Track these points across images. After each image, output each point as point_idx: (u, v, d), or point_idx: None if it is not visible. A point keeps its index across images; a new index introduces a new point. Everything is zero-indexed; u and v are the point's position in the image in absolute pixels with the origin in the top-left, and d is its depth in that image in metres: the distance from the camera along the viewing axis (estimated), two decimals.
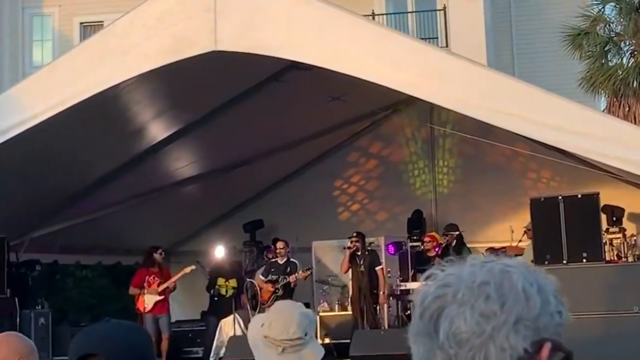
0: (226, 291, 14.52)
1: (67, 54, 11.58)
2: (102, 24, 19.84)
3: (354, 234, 13.45)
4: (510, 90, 9.99)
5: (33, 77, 11.58)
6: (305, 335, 3.14)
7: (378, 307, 13.17)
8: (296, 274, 13.15)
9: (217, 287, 14.63)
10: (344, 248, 13.62)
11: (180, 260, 17.09)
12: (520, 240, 12.79)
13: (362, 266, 13.14)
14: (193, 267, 14.79)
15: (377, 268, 13.18)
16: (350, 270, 13.39)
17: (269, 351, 3.12)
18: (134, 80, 10.80)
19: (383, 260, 14.13)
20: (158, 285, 13.95)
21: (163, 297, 14.00)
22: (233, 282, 14.63)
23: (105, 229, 14.98)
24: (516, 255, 12.68)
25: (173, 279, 14.21)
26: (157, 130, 13.25)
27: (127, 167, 13.53)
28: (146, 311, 13.87)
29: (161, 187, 14.96)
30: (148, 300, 13.93)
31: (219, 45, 10.23)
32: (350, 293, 13.89)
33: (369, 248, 13.49)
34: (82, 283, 20.39)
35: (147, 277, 14.05)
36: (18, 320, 12.62)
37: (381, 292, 13.11)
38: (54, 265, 16.62)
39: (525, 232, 12.74)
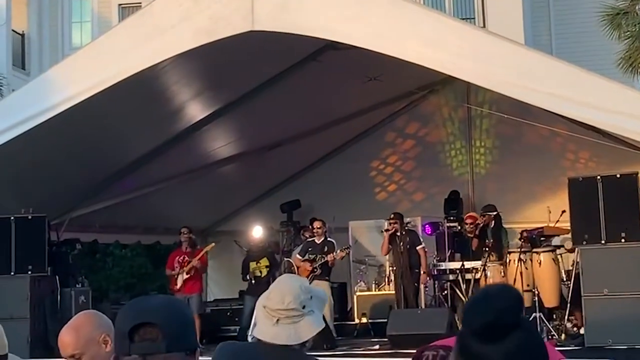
0: (260, 272, 14.60)
1: (105, 35, 11.68)
2: (140, 5, 19.95)
3: (392, 216, 13.41)
4: (549, 69, 9.93)
5: (72, 58, 11.70)
6: (303, 307, 3.13)
7: (419, 286, 13.16)
8: (334, 253, 13.19)
9: (250, 271, 14.70)
10: (382, 231, 13.63)
11: (218, 240, 17.23)
12: (557, 221, 12.72)
13: (401, 246, 13.09)
14: (213, 244, 15.15)
15: (418, 247, 13.10)
16: (391, 250, 13.38)
17: (266, 322, 3.14)
18: (171, 60, 10.86)
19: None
20: (185, 265, 14.20)
21: (189, 276, 14.18)
22: (265, 262, 14.70)
23: (144, 209, 15.12)
24: (553, 236, 12.67)
25: (196, 258, 14.48)
26: (195, 111, 13.33)
27: (165, 147, 13.63)
28: (177, 291, 14.09)
29: (199, 167, 15.06)
30: (179, 281, 14.21)
31: (255, 25, 10.25)
32: (389, 273, 13.94)
33: (407, 228, 13.45)
34: (122, 262, 20.66)
35: (177, 258, 14.34)
36: (59, 298, 12.79)
37: (422, 271, 13.04)
38: (93, 244, 16.84)
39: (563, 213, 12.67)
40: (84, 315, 3.54)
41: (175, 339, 2.21)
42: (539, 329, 11.36)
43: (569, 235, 12.03)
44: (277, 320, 3.12)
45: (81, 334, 3.39)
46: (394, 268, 13.45)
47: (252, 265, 14.60)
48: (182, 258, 14.34)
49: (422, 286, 13.25)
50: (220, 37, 10.36)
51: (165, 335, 2.20)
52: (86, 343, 3.36)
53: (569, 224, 11.62)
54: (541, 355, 2.11)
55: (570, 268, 11.97)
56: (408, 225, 13.79)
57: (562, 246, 12.35)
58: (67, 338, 3.41)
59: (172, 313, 2.26)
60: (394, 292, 13.48)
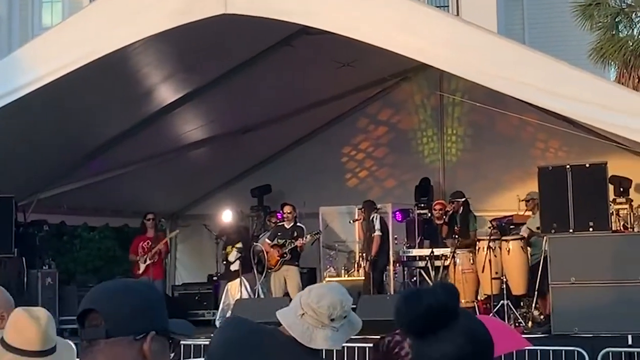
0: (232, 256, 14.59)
1: (76, 15, 11.55)
2: None
3: (361, 205, 13.68)
4: (522, 58, 9.96)
5: (41, 38, 11.57)
6: (332, 321, 3.17)
7: (385, 273, 13.29)
8: (304, 238, 13.19)
9: (223, 252, 14.72)
10: (350, 221, 13.90)
11: (188, 224, 17.20)
12: (526, 209, 12.81)
13: (367, 233, 13.33)
14: (177, 231, 15.69)
15: (373, 234, 13.32)
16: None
17: (293, 311, 3.17)
18: (143, 42, 10.77)
19: (390, 226, 14.18)
20: (149, 250, 14.25)
21: (153, 261, 14.23)
22: (238, 245, 14.71)
23: (113, 191, 15.02)
24: (522, 224, 12.75)
25: (161, 243, 14.57)
26: (167, 93, 13.24)
27: (136, 130, 13.53)
28: (139, 276, 14.13)
29: (170, 151, 14.97)
30: (142, 266, 14.28)
31: (229, 8, 10.19)
32: (358, 259, 14.00)
33: (372, 216, 13.58)
34: (89, 244, 20.54)
35: (141, 244, 14.40)
36: (25, 279, 12.71)
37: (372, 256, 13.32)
38: (61, 226, 16.70)
39: (523, 201, 12.78)
40: None
41: (118, 325, 2.20)
42: (506, 317, 11.44)
43: (529, 222, 12.13)
44: (303, 315, 3.11)
45: None
46: (364, 254, 13.53)
47: (228, 248, 14.62)
48: (146, 243, 14.46)
49: (391, 272, 13.32)
50: (194, 20, 10.29)
51: (106, 321, 2.20)
52: None
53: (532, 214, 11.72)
54: (485, 342, 2.10)
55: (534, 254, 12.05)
56: (378, 210, 13.86)
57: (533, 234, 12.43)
58: None
59: (117, 298, 2.24)
60: (363, 278, 13.54)
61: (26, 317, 3.32)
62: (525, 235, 12.13)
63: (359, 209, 13.83)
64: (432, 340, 2.03)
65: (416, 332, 2.05)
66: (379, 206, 14.00)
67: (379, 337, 3.12)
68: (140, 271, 14.28)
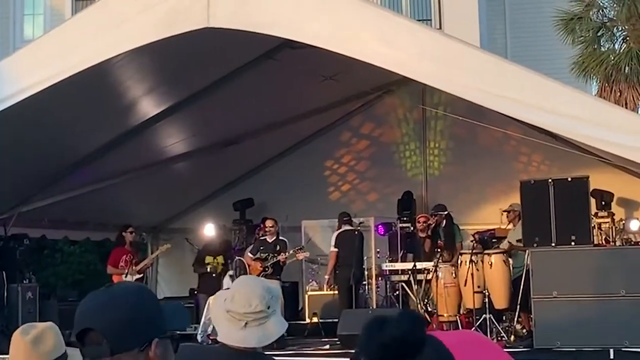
0: (215, 268, 14.54)
1: (58, 28, 11.50)
2: None
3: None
4: (504, 72, 9.98)
5: (23, 51, 11.50)
6: (268, 308, 3.10)
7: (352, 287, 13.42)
8: (286, 253, 13.16)
9: (206, 264, 14.64)
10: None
11: (169, 238, 17.12)
12: (508, 222, 12.82)
13: None
14: (169, 245, 15.16)
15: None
16: None
17: (231, 326, 3.09)
18: (125, 55, 10.73)
19: (372, 241, 14.25)
20: (135, 265, 14.10)
21: (141, 275, 14.14)
22: (221, 259, 14.66)
23: (95, 205, 14.94)
24: (505, 238, 12.75)
25: (151, 257, 14.45)
26: (149, 107, 13.19)
27: (117, 143, 13.47)
28: None
29: (152, 164, 14.91)
30: (129, 280, 14.09)
31: (211, 21, 10.17)
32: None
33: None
34: (70, 258, 20.42)
35: (123, 257, 14.24)
36: (5, 293, 12.61)
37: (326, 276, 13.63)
38: (42, 240, 16.59)
39: (504, 213, 12.80)
40: None
41: (119, 340, 2.16)
42: (488, 331, 11.42)
43: (510, 236, 12.14)
44: (245, 324, 3.07)
45: None
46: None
47: (208, 258, 14.53)
48: (128, 257, 14.26)
49: (373, 286, 13.33)
50: (176, 33, 10.26)
51: (108, 339, 2.15)
52: None
53: (514, 227, 11.73)
54: None
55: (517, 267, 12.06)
56: (360, 224, 13.92)
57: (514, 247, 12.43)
58: None
59: (112, 313, 2.19)
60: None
61: (16, 335, 3.32)
62: (505, 248, 12.13)
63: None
64: None
65: None
66: (360, 220, 14.03)
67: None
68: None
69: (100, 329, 2.16)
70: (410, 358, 1.98)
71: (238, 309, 3.08)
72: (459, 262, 12.41)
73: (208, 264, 14.59)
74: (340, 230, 13.82)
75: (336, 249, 13.61)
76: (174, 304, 14.37)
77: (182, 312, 13.43)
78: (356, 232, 13.62)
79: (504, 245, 12.22)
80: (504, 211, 12.75)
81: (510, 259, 12.10)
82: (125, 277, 14.09)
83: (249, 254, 13.56)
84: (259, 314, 3.08)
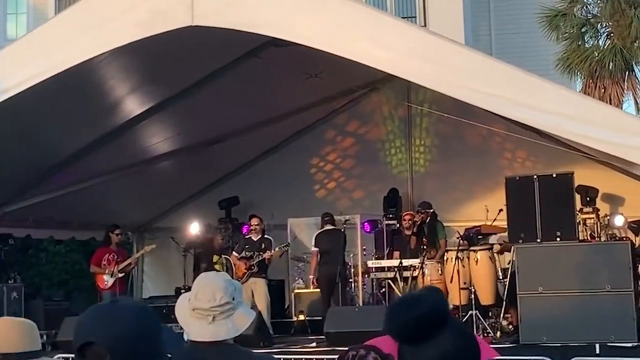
0: (224, 266, 14.45)
1: (41, 27, 11.45)
2: None
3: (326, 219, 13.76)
4: (488, 69, 9.99)
5: (6, 50, 11.44)
6: (233, 299, 3.12)
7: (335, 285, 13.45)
8: (271, 251, 13.15)
9: (214, 264, 14.61)
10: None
11: (155, 237, 17.08)
12: (495, 219, 12.84)
13: None
14: (153, 246, 15.26)
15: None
16: None
17: (200, 324, 3.10)
18: (109, 54, 10.69)
19: (358, 238, 14.24)
20: (117, 264, 14.09)
21: (123, 274, 14.16)
22: (223, 257, 14.67)
23: (80, 204, 14.88)
24: (491, 234, 12.79)
25: (134, 257, 14.47)
26: (133, 106, 13.15)
27: (101, 143, 13.43)
28: (106, 289, 13.99)
29: (136, 163, 14.87)
30: (107, 279, 14.10)
31: (196, 20, 10.14)
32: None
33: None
34: (56, 258, 20.32)
35: (106, 256, 14.24)
36: None
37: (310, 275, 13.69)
38: (27, 240, 16.52)
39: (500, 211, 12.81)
40: None
41: (121, 356, 2.15)
42: (474, 327, 11.45)
43: (503, 235, 12.16)
44: (213, 318, 3.08)
45: None
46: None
47: (216, 257, 14.57)
48: (111, 256, 14.26)
49: (360, 284, 13.33)
50: (160, 32, 10.23)
51: (111, 354, 2.15)
52: None
53: (505, 223, 11.73)
54: (472, 354, 2.15)
55: (507, 266, 12.10)
56: (346, 222, 13.96)
57: (499, 244, 12.46)
58: None
59: (118, 330, 2.18)
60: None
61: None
62: (496, 242, 12.19)
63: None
64: (430, 343, 2.08)
65: (414, 337, 2.08)
66: (346, 217, 14.07)
67: (346, 349, 3.08)
68: (109, 285, 14.11)
69: (104, 344, 2.15)
70: (439, 329, 2.08)
71: (203, 305, 3.09)
72: (445, 258, 12.43)
73: (215, 263, 14.58)
74: (321, 230, 13.87)
75: (316, 248, 13.66)
76: (168, 328, 14.35)
77: (177, 339, 13.37)
78: (337, 231, 13.64)
79: (496, 247, 12.23)
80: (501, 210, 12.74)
81: (497, 256, 12.16)
82: (111, 276, 14.09)
83: (235, 253, 13.55)
84: (224, 306, 3.09)
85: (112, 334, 2.17)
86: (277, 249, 13.25)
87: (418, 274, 12.56)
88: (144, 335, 2.22)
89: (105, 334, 2.17)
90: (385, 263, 13.36)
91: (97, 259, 14.36)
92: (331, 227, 13.80)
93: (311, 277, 13.89)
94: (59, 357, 10.24)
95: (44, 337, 13.12)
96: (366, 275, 13.90)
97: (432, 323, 2.08)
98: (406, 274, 12.85)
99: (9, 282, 13.23)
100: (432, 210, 13.45)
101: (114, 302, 2.29)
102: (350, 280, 13.88)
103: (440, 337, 2.08)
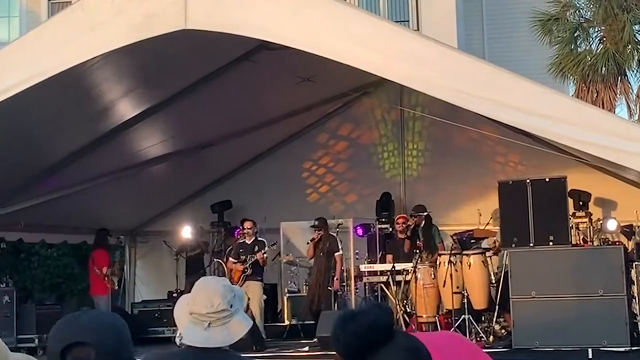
0: None
1: (34, 31, 11.39)
2: (70, 1, 19.62)
3: (315, 223, 13.53)
4: (481, 73, 9.99)
5: None
6: (231, 307, 3.08)
7: (333, 291, 13.29)
8: (263, 251, 13.13)
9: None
10: (308, 242, 13.72)
11: (147, 240, 17.05)
12: (487, 224, 12.85)
13: (322, 251, 13.31)
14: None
15: (336, 254, 13.32)
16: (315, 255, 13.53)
17: (196, 328, 3.08)
18: (101, 57, 10.66)
19: (351, 242, 14.20)
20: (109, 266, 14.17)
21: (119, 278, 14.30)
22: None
23: (71, 208, 14.84)
24: (483, 238, 12.79)
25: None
26: (125, 109, 13.12)
27: (94, 146, 13.38)
28: (113, 291, 14.01)
29: (129, 167, 14.83)
30: (115, 281, 14.17)
31: (189, 23, 10.12)
32: (310, 276, 13.97)
33: (330, 233, 13.56)
34: (47, 262, 20.27)
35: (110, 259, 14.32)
36: None
37: (335, 277, 13.22)
38: (18, 244, 16.49)
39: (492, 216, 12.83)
40: None
41: (109, 357, 2.15)
42: (467, 331, 11.45)
43: (497, 238, 12.17)
44: (209, 324, 3.06)
45: None
46: (313, 272, 13.58)
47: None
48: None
49: (352, 287, 13.28)
50: (153, 35, 10.20)
51: (97, 354, 2.15)
52: None
53: (498, 227, 11.74)
54: (428, 356, 2.15)
55: (496, 270, 12.11)
56: (339, 226, 13.89)
57: (490, 249, 12.47)
58: None
59: (105, 330, 2.22)
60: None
61: None
62: (488, 246, 12.19)
63: (313, 227, 13.73)
64: (374, 359, 2.08)
65: (356, 353, 2.07)
66: (339, 221, 14.04)
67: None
68: (116, 287, 14.17)
69: (91, 342, 2.18)
70: (383, 345, 2.07)
71: (200, 310, 3.07)
72: (438, 263, 12.43)
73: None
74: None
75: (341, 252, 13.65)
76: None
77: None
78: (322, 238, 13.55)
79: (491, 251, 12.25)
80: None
81: (490, 260, 12.16)
82: (115, 278, 14.18)
83: (231, 259, 13.50)
84: (221, 313, 3.06)
85: (98, 334, 2.20)
86: (266, 247, 13.27)
87: (411, 278, 12.55)
88: (124, 340, 2.26)
89: (92, 334, 2.20)
90: (377, 267, 13.35)
91: (108, 261, 14.40)
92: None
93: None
94: None
95: (36, 341, 13.10)
96: (359, 280, 13.88)
97: (372, 338, 2.08)
98: (399, 277, 12.85)
99: (1, 285, 13.21)
100: (426, 214, 13.45)
101: (87, 311, 2.31)
102: (343, 284, 13.85)
103: (385, 354, 2.08)
